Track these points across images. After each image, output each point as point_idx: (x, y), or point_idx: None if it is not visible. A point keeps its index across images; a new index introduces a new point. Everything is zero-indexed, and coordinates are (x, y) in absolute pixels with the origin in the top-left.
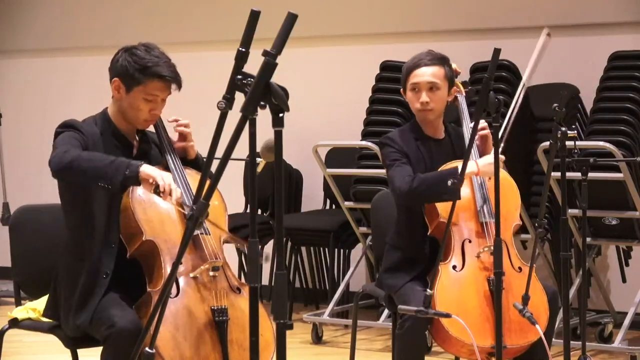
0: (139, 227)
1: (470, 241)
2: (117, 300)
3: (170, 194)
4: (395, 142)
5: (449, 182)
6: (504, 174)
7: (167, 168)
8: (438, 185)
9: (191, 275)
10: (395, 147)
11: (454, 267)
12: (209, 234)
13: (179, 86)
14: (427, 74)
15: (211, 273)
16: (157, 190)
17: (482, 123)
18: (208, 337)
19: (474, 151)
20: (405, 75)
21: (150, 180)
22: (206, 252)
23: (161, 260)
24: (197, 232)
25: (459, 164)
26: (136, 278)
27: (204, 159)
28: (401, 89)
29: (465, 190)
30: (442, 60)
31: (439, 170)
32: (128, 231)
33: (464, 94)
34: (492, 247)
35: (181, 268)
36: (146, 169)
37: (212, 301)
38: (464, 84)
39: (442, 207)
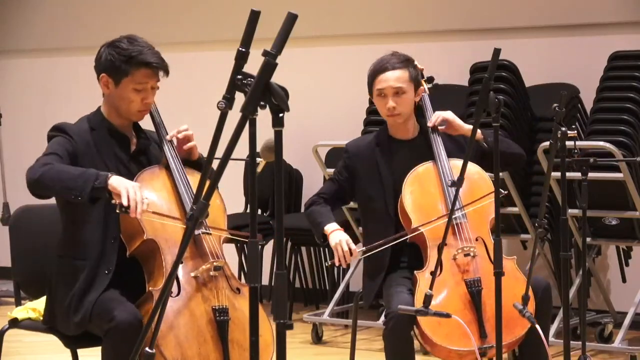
0: (140, 226)
1: (445, 244)
2: (116, 296)
3: (136, 209)
4: (349, 154)
5: (449, 183)
6: (472, 166)
7: (167, 166)
8: (312, 226)
9: (192, 274)
10: (345, 159)
11: (431, 273)
12: (210, 234)
13: (167, 72)
14: (391, 79)
15: (212, 273)
16: (122, 208)
17: (435, 116)
18: (209, 336)
19: (440, 145)
20: (371, 81)
21: (119, 193)
22: (207, 251)
23: (162, 260)
24: (198, 231)
25: (424, 166)
26: (136, 277)
27: (205, 159)
28: (368, 94)
29: (432, 191)
30: (406, 63)
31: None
32: (128, 230)
33: (427, 92)
34: (465, 249)
35: (182, 267)
36: (114, 181)
37: (213, 301)
38: (428, 80)
39: (415, 215)
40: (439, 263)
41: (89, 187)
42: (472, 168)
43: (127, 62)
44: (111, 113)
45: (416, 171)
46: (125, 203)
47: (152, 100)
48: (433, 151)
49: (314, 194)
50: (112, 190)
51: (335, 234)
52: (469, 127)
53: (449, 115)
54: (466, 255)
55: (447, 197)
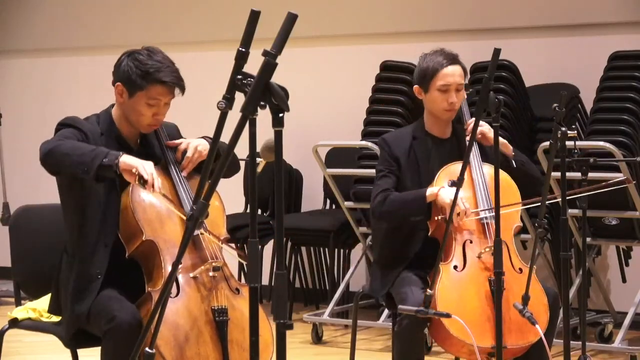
0: (139, 227)
1: (471, 242)
2: (115, 296)
3: (153, 185)
4: (388, 144)
5: (449, 183)
6: (503, 174)
7: (165, 168)
8: (404, 208)
9: (191, 275)
10: (386, 150)
11: (455, 267)
12: (209, 234)
13: (182, 90)
14: (457, 74)
15: (211, 273)
16: (141, 180)
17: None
18: (208, 336)
19: (475, 150)
20: (431, 75)
21: (133, 170)
22: (206, 252)
23: (161, 260)
24: (197, 232)
25: (448, 170)
26: (135, 279)
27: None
28: (416, 87)
29: (466, 191)
30: (458, 59)
31: (436, 178)
32: (127, 231)
33: (465, 97)
34: (492, 247)
35: (181, 268)
36: (126, 159)
37: (212, 301)
38: (465, 86)
39: (442, 208)
40: (439, 263)
41: (97, 163)
42: (503, 176)
43: (143, 77)
44: (121, 120)
45: (449, 167)
46: (145, 176)
47: (163, 116)
48: (470, 151)
49: (377, 192)
50: (125, 167)
51: (446, 191)
52: (503, 142)
53: (487, 131)
54: (493, 254)
55: (477, 198)
